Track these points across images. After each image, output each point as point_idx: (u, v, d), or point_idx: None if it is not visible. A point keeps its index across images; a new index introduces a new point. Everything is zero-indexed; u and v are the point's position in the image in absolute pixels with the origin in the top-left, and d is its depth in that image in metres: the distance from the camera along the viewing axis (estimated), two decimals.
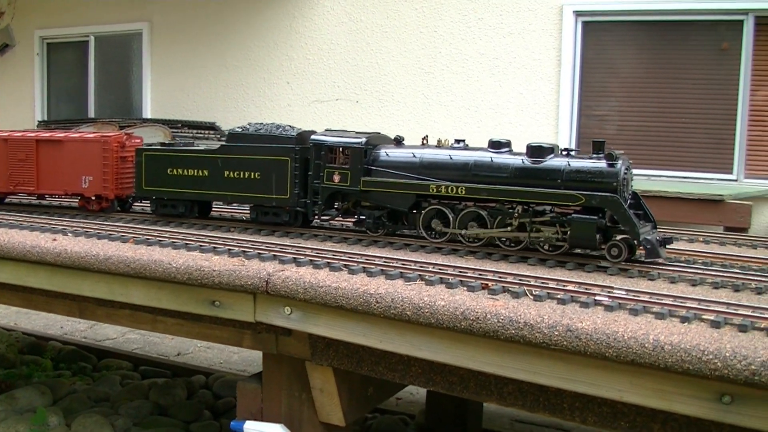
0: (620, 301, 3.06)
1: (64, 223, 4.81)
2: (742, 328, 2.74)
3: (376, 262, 3.67)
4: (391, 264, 3.65)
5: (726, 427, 2.76)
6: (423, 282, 3.37)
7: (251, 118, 9.48)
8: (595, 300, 3.07)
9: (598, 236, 3.74)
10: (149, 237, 4.31)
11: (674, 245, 4.13)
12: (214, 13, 10.66)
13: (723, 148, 8.10)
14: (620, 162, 3.78)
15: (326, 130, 4.60)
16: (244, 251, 3.94)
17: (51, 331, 8.80)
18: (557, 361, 2.91)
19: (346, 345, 3.60)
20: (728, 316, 2.87)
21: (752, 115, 7.95)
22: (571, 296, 3.12)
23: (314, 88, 10.02)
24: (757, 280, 3.45)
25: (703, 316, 2.89)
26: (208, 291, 3.74)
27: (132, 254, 3.91)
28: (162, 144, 5.28)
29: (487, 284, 3.30)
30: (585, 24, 8.54)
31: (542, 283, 3.34)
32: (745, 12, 7.85)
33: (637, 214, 3.82)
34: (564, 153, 3.96)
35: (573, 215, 3.80)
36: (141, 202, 5.42)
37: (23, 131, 5.68)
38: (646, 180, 7.93)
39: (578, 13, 8.50)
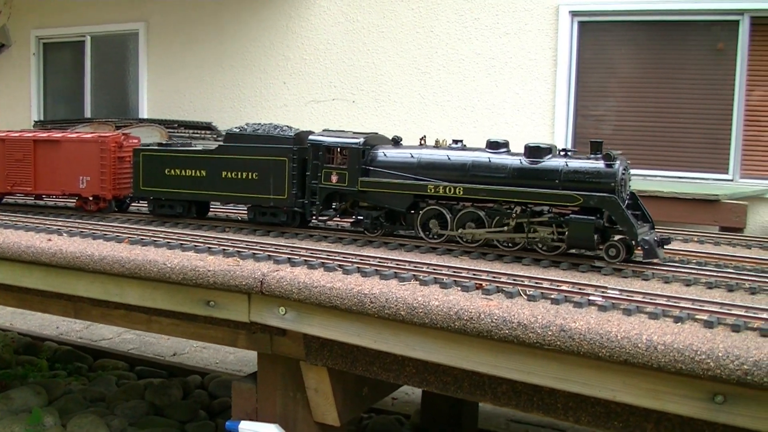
0: (614, 301, 3.06)
1: (60, 223, 4.80)
2: (735, 328, 2.75)
3: (370, 263, 3.67)
4: (385, 264, 3.66)
5: (719, 427, 2.77)
6: (417, 282, 3.38)
7: (248, 118, 9.49)
8: (589, 300, 3.08)
9: (596, 237, 3.75)
10: (144, 237, 4.31)
11: (669, 245, 4.14)
12: (211, 13, 10.66)
13: (719, 148, 8.11)
14: (618, 162, 3.79)
15: (324, 131, 4.60)
16: (239, 251, 3.94)
17: (46, 332, 8.79)
18: (551, 361, 2.92)
19: (340, 345, 3.61)
20: (721, 316, 2.88)
21: (748, 115, 7.96)
22: (565, 296, 3.13)
23: (311, 88, 10.01)
24: (751, 280, 3.46)
25: (697, 316, 2.90)
26: (202, 291, 3.75)
27: (127, 254, 3.91)
28: (159, 144, 5.26)
29: (481, 284, 3.31)
30: (581, 24, 8.55)
31: (536, 283, 3.35)
32: (741, 12, 7.86)
33: (635, 214, 3.83)
34: (562, 153, 3.96)
35: (571, 216, 3.80)
36: (138, 203, 5.41)
37: (20, 131, 5.68)
38: (641, 180, 7.93)
39: (574, 13, 8.51)
